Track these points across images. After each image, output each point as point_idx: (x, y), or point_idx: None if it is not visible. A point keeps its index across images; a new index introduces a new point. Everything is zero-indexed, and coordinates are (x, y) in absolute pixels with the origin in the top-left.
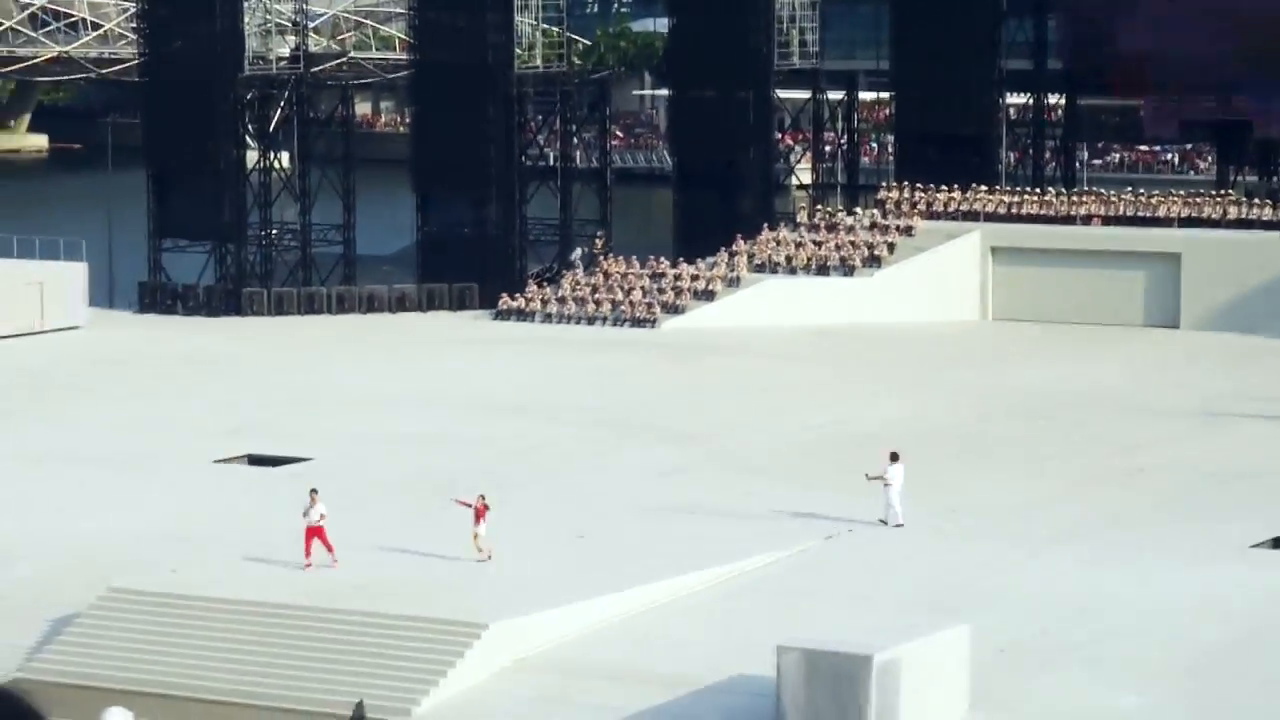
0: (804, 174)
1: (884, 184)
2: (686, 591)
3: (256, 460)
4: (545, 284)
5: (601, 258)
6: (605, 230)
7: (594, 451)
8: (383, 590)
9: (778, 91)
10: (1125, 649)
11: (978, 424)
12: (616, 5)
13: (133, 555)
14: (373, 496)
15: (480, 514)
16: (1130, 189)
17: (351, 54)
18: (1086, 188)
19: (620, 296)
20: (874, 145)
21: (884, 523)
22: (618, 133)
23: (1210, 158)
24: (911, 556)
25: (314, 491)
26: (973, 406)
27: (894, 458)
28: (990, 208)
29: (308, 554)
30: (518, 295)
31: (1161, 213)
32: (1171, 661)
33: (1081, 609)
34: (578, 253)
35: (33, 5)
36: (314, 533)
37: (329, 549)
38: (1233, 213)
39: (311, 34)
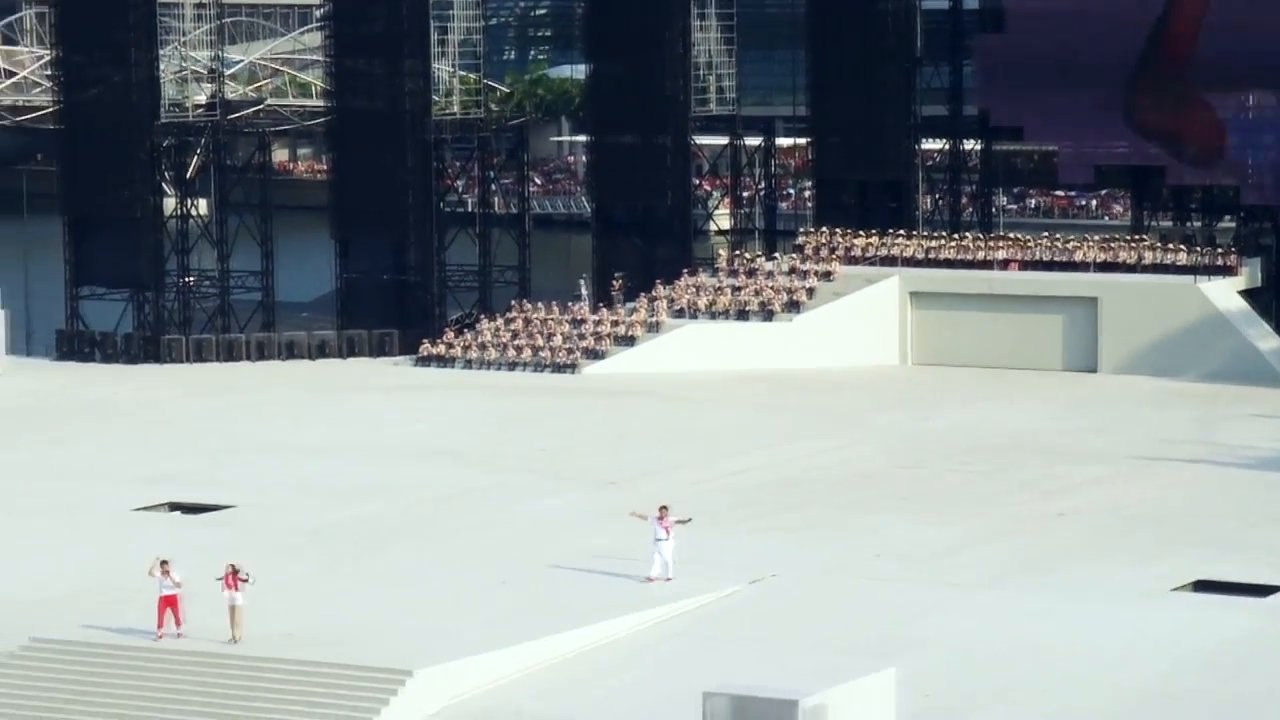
0: (723, 219)
1: (803, 229)
2: (614, 637)
3: (179, 508)
4: (464, 330)
5: (619, 298)
6: (589, 275)
7: (519, 496)
8: (306, 638)
9: (695, 137)
10: (1048, 694)
11: (901, 468)
12: (533, 52)
13: (54, 605)
14: (296, 544)
15: (230, 582)
16: (1047, 234)
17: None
18: (1003, 232)
19: (541, 342)
20: (792, 191)
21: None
22: (536, 179)
23: (1125, 202)
24: (838, 601)
25: (164, 562)
26: (896, 451)
27: (663, 510)
28: (909, 252)
29: (160, 624)
30: (438, 341)
31: (1078, 257)
32: (1095, 705)
33: (1006, 653)
34: (583, 283)
35: None
36: (168, 602)
37: (178, 621)
38: (1149, 257)
39: (228, 81)
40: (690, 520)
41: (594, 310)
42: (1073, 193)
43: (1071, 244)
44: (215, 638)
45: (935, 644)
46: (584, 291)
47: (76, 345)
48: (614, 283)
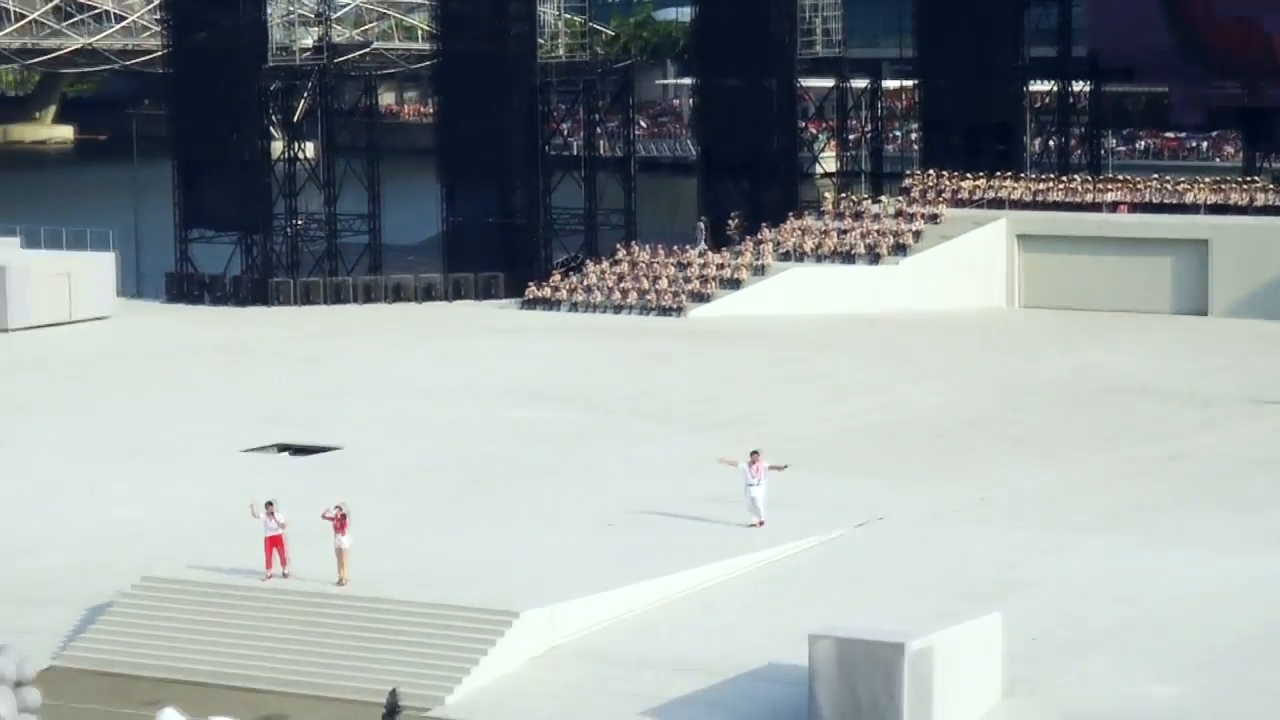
0: (829, 162)
1: (909, 172)
2: (719, 579)
3: (288, 449)
4: (569, 273)
5: (739, 237)
6: (708, 218)
7: (626, 439)
8: (415, 579)
9: (801, 80)
10: (1159, 637)
11: (1010, 411)
12: None
13: (165, 544)
14: (403, 485)
15: (340, 525)
16: (1157, 176)
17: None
18: (1113, 174)
19: (647, 285)
20: (899, 133)
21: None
22: (641, 122)
23: (1237, 144)
24: (945, 544)
25: (269, 503)
26: (1004, 393)
27: (754, 455)
28: (1016, 195)
29: (269, 565)
30: (544, 284)
31: (1189, 199)
32: (1206, 650)
33: (1115, 597)
34: (700, 227)
35: None
36: (274, 542)
37: (283, 561)
38: (1260, 199)
39: (335, 25)
40: (786, 467)
41: (714, 252)
42: (1183, 134)
43: (1182, 186)
44: (322, 579)
45: (1042, 588)
46: (702, 234)
47: (186, 288)
48: (730, 222)
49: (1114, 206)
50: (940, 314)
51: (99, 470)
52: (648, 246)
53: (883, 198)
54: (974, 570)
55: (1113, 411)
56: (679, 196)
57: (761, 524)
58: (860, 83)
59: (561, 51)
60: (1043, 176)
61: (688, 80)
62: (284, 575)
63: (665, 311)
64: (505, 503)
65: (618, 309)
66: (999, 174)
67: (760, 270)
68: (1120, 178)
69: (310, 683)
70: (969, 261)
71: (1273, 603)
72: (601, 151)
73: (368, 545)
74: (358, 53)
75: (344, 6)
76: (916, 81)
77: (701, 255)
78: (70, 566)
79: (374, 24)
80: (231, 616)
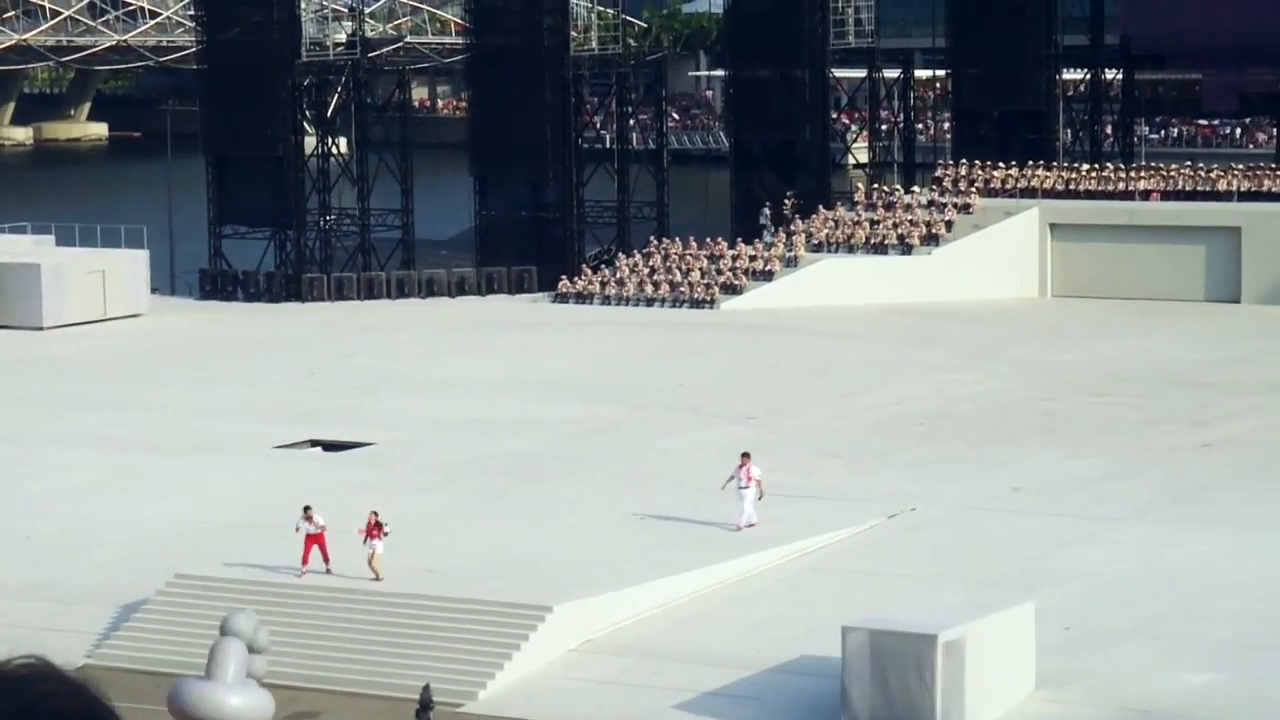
0: (861, 153)
1: (941, 161)
2: (751, 572)
3: (321, 445)
4: (601, 266)
5: (793, 216)
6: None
7: (658, 432)
8: (449, 574)
9: (833, 70)
10: (1193, 626)
11: (1043, 400)
12: None
13: (199, 542)
14: (437, 481)
15: (372, 532)
16: (1189, 163)
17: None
18: (1145, 162)
19: (679, 278)
20: (931, 123)
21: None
22: (674, 114)
23: (1270, 130)
24: (976, 534)
25: (307, 508)
26: (1037, 383)
27: (744, 458)
28: (1048, 184)
29: (305, 560)
30: (576, 277)
31: (1221, 186)
32: (1240, 638)
33: (1148, 585)
34: (765, 213)
35: None
36: (314, 540)
37: (325, 558)
38: None
39: (367, 19)
40: (762, 498)
41: (774, 234)
42: (1216, 121)
43: (1214, 173)
44: (357, 575)
45: (1076, 577)
46: (767, 221)
47: (219, 284)
48: (786, 202)
49: (1146, 195)
50: (972, 304)
51: (133, 467)
52: (679, 239)
53: (915, 188)
54: (1007, 560)
55: (1145, 400)
56: (711, 189)
57: (747, 527)
58: (892, 73)
59: (594, 44)
60: (1075, 165)
61: (720, 72)
62: (326, 572)
63: (697, 304)
64: (538, 497)
65: (649, 302)
66: (1031, 163)
67: (792, 262)
68: (1152, 165)
69: (343, 679)
70: (1001, 251)
71: None
72: (634, 144)
73: (400, 541)
74: (390, 47)
75: (376, 1)
76: (948, 71)
77: (769, 243)
78: (104, 564)
79: (407, 18)
80: (264, 614)
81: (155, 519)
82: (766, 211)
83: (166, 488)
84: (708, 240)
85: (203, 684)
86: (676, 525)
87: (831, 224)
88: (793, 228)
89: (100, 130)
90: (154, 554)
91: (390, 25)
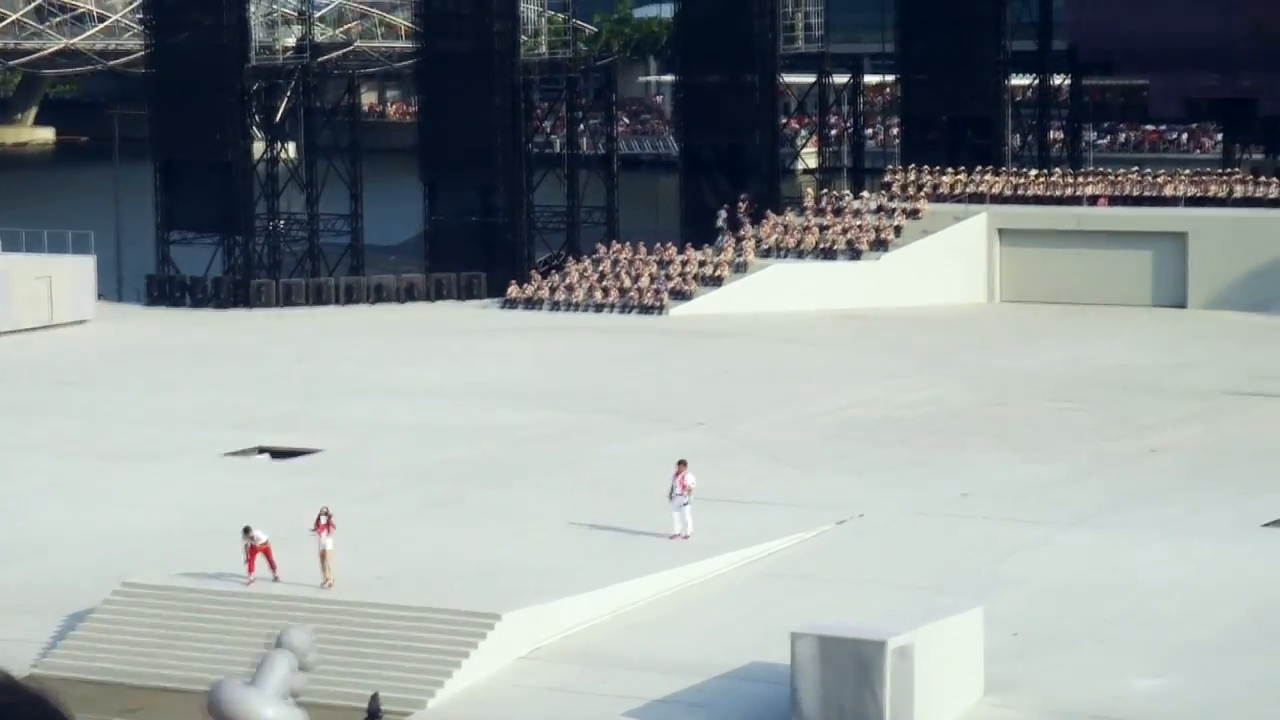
0: (810, 158)
1: (890, 167)
2: (701, 578)
3: (269, 452)
4: (551, 272)
5: (747, 219)
6: (729, 205)
7: (607, 439)
8: (397, 581)
9: (783, 76)
10: (1140, 630)
11: (990, 406)
12: None
13: (147, 549)
14: (384, 488)
15: (323, 527)
16: (1136, 168)
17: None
18: (1092, 168)
19: (628, 283)
20: (880, 128)
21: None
22: (624, 119)
23: (1216, 136)
24: (926, 540)
25: (247, 529)
26: (984, 388)
27: (681, 465)
28: (996, 189)
29: (250, 569)
30: (526, 283)
31: (1168, 192)
32: (1187, 642)
33: (1097, 590)
34: (723, 214)
35: None
36: (258, 551)
37: (272, 566)
38: (1239, 191)
39: (317, 24)
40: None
41: (732, 235)
42: (1163, 127)
43: (1161, 178)
44: (306, 582)
45: (1024, 582)
46: (724, 224)
47: (167, 290)
48: (740, 204)
49: (1094, 200)
50: (921, 309)
51: (80, 475)
52: (629, 244)
53: (864, 193)
54: (955, 566)
55: (1093, 405)
56: (661, 194)
57: (684, 538)
58: (841, 78)
59: (544, 49)
60: (1023, 171)
61: (670, 77)
62: (273, 579)
63: (646, 310)
64: (487, 503)
65: (599, 308)
66: (979, 168)
67: (741, 267)
68: (1100, 171)
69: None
70: (950, 256)
71: (1255, 594)
72: (583, 149)
73: (349, 548)
74: (340, 52)
75: (325, 5)
76: (897, 76)
77: (719, 247)
78: (50, 572)
79: (356, 23)
80: (214, 622)
81: (102, 526)
82: (723, 214)
83: (113, 495)
84: (657, 245)
85: (243, 689)
86: (626, 532)
87: (781, 229)
88: (743, 232)
89: (47, 135)
90: (101, 561)
91: (340, 29)
